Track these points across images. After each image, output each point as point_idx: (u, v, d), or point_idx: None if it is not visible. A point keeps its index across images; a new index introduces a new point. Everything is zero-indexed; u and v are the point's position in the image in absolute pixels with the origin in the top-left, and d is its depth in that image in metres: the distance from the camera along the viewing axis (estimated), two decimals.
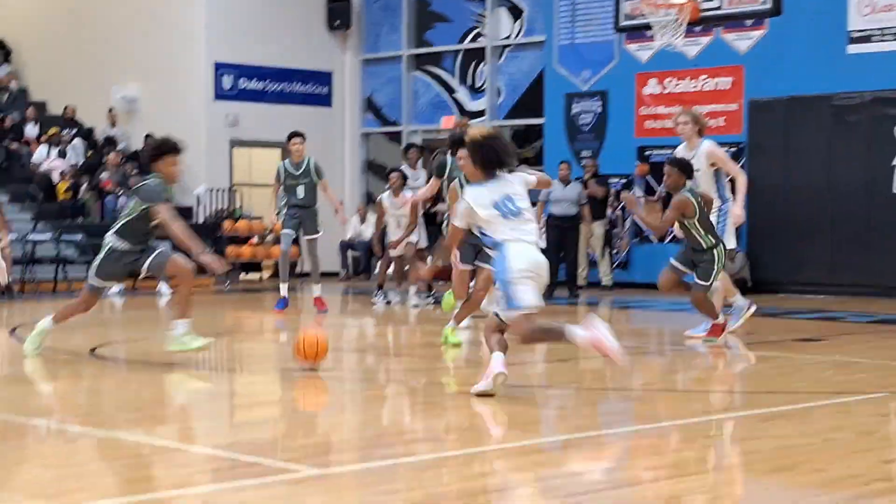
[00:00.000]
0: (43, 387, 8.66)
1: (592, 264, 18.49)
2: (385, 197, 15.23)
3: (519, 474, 5.61)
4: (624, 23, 16.89)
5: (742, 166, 17.14)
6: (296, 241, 14.71)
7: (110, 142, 21.24)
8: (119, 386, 8.54)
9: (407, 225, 14.54)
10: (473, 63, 21.26)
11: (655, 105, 18.52)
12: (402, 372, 9.62)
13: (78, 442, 6.30)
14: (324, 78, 22.42)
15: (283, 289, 14.03)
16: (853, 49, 16.69)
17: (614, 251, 18.51)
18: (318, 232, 13.96)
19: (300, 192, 13.77)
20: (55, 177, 19.97)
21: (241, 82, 21.51)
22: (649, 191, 18.38)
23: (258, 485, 5.20)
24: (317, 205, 13.98)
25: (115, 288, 17.25)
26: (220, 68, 21.25)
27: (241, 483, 5.23)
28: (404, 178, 15.53)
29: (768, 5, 13.86)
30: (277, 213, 14.16)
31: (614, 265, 18.49)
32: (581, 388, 8.31)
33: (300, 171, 13.79)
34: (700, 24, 14.18)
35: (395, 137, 22.35)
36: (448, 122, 21.48)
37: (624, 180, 18.52)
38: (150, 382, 8.60)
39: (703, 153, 10.92)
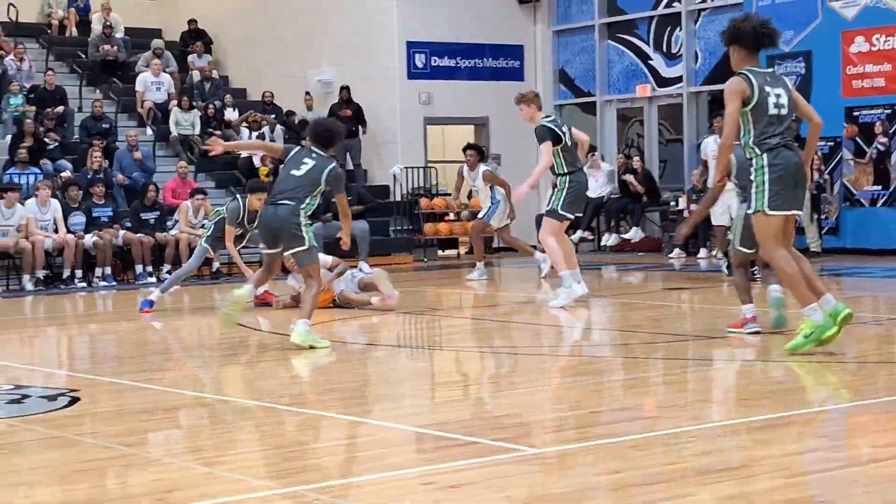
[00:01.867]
0: (256, 368, 8.90)
1: (799, 231, 18.01)
2: (464, 168, 16.18)
3: (741, 453, 5.51)
4: None
5: None
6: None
7: (306, 125, 21.64)
8: (324, 366, 8.72)
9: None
10: (668, 29, 20.88)
11: (863, 64, 17.86)
12: (616, 348, 9.57)
13: (296, 423, 6.45)
14: (515, 51, 22.38)
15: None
16: None
17: (823, 216, 17.95)
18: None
19: None
20: (256, 161, 20.48)
21: (434, 60, 21.67)
22: (859, 152, 17.78)
23: (477, 464, 5.24)
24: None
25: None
26: (413, 47, 21.44)
27: (460, 463, 5.28)
28: (481, 154, 16.44)
29: None
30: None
31: (823, 231, 17.95)
32: (791, 361, 8.11)
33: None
34: None
35: (590, 108, 22.16)
36: (643, 90, 21.19)
37: (831, 143, 17.95)
38: (355, 362, 8.76)
39: None
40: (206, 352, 9.95)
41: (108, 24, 22.77)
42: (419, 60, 21.52)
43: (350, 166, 20.94)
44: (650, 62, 21.16)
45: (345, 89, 21.25)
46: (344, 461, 5.51)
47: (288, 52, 22.80)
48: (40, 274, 16.04)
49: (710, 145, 13.52)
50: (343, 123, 12.12)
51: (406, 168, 21.08)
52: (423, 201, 20.81)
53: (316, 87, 22.31)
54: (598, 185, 20.63)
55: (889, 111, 17.59)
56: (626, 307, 12.58)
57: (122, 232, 16.84)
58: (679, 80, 20.68)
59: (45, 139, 18.94)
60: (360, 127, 21.27)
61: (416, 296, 13.52)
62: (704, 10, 20.41)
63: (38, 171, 18.05)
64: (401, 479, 5.08)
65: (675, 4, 20.69)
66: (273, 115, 21.76)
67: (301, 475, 5.16)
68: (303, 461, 5.47)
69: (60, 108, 19.92)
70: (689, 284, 14.50)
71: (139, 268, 16.79)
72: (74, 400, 6.92)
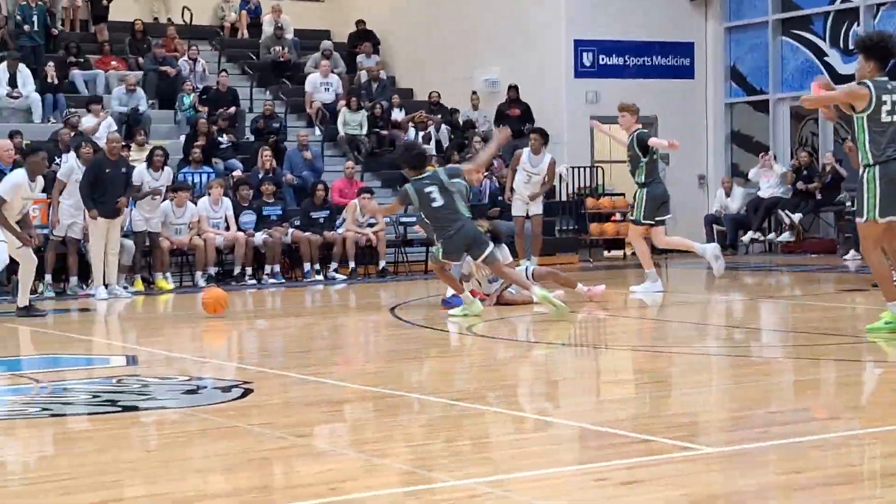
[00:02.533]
0: (418, 364, 8.93)
1: None
2: (525, 152, 16.04)
3: None
4: None
5: None
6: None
7: (470, 125, 21.70)
8: (492, 363, 8.70)
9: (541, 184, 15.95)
10: (846, 23, 20.31)
11: None
12: (789, 349, 9.33)
13: (465, 417, 6.43)
14: (685, 49, 22.05)
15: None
16: None
17: None
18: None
19: None
20: None
21: (601, 58, 21.49)
22: None
23: (651, 461, 5.14)
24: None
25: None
26: (580, 45, 21.31)
27: (633, 461, 5.19)
28: (545, 138, 16.29)
29: None
30: None
31: None
32: None
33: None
34: None
35: (762, 106, 21.71)
36: (818, 87, 20.58)
37: None
38: (523, 359, 8.71)
39: None
40: (374, 347, 10.03)
41: (278, 25, 23.23)
42: (586, 59, 21.38)
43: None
44: (826, 58, 20.60)
45: (512, 88, 21.23)
46: (514, 456, 5.46)
47: (454, 52, 22.90)
48: (212, 271, 16.43)
49: None
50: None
51: (572, 168, 20.95)
52: (590, 201, 20.67)
53: (482, 87, 22.37)
54: (770, 186, 20.22)
55: None
56: (798, 308, 12.27)
57: (290, 230, 17.13)
58: (853, 77, 20.03)
59: (218, 139, 19.40)
60: (527, 126, 21.21)
61: (581, 296, 13.40)
62: (884, 3, 19.78)
63: (210, 170, 18.50)
64: (573, 475, 5.01)
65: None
66: (439, 115, 21.89)
67: (471, 468, 5.13)
68: (473, 455, 5.44)
69: (232, 109, 20.38)
70: (865, 286, 14.06)
71: (307, 266, 17.04)
72: (248, 391, 7.03)
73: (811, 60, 20.82)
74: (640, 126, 13.33)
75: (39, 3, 21.11)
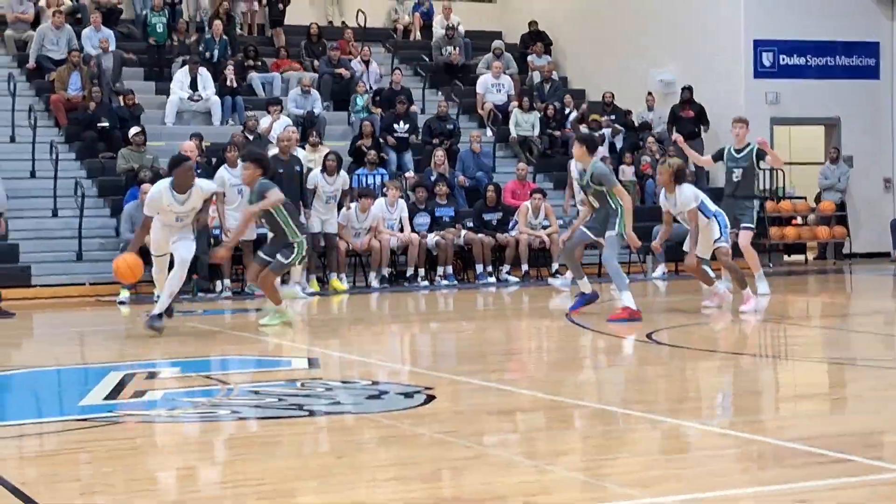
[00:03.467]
0: (599, 372, 8.81)
1: None
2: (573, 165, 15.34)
3: None
4: None
5: None
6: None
7: (645, 126, 21.47)
8: (673, 373, 8.54)
9: None
10: None
11: None
12: None
13: (653, 430, 6.31)
14: (870, 49, 21.40)
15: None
16: None
17: None
18: None
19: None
20: None
21: (782, 58, 21.01)
22: None
23: (852, 483, 4.95)
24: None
25: (660, 270, 17.45)
26: (760, 45, 20.86)
27: (834, 482, 5.01)
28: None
29: None
30: None
31: None
32: None
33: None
34: None
35: None
36: None
37: None
38: (704, 370, 8.54)
39: None
40: (547, 354, 9.96)
41: (450, 26, 23.33)
42: (766, 59, 20.93)
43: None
44: None
45: (686, 89, 20.92)
46: (709, 472, 5.33)
47: (628, 52, 22.67)
48: (385, 272, 16.57)
49: None
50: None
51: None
52: (770, 204, 20.23)
53: (657, 87, 22.09)
54: None
55: None
56: None
57: (463, 232, 17.17)
58: None
59: (394, 127, 19.58)
60: (701, 127, 20.89)
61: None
62: None
63: (384, 171, 18.67)
64: (773, 496, 4.86)
65: None
66: (612, 116, 21.69)
67: (666, 485, 5.02)
68: (666, 470, 5.32)
69: (405, 108, 20.48)
70: None
71: (479, 268, 17.06)
72: (430, 398, 7.03)
73: None
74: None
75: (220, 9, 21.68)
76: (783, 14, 20.89)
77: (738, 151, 13.52)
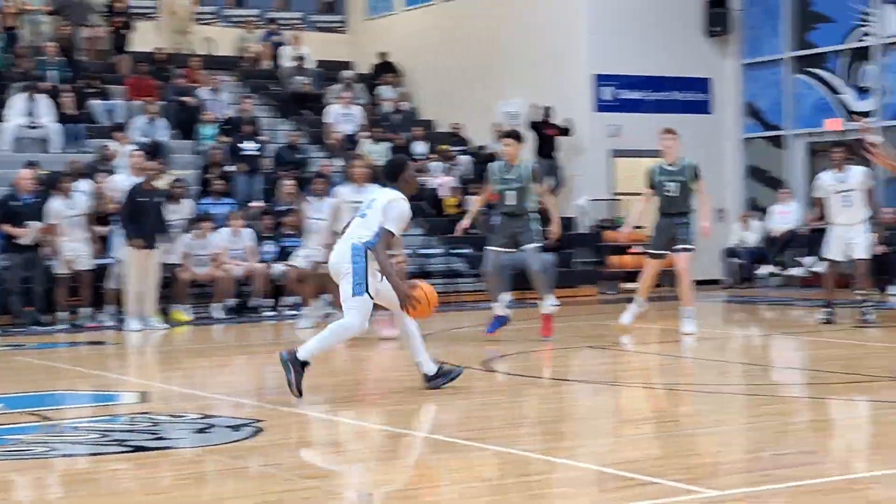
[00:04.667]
0: (432, 401, 8.89)
1: None
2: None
3: None
4: None
5: None
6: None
7: (494, 157, 21.67)
8: (509, 400, 8.66)
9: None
10: (859, 62, 20.31)
11: None
12: (795, 387, 9.28)
13: (476, 458, 6.40)
14: (703, 85, 22.07)
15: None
16: None
17: None
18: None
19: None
20: (443, 192, 20.62)
21: (622, 93, 21.51)
22: None
23: None
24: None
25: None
26: (601, 80, 21.33)
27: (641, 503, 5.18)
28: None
29: None
30: None
31: None
32: None
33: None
34: None
35: (778, 142, 21.69)
36: (832, 124, 20.62)
37: None
38: (538, 396, 8.68)
39: None
40: (386, 384, 10.00)
41: (299, 56, 23.30)
42: (607, 93, 21.39)
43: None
44: (840, 96, 20.59)
45: (547, 109, 21.15)
46: (527, 499, 5.44)
47: (475, 84, 22.96)
48: (230, 302, 16.42)
49: (827, 181, 13.42)
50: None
51: (592, 200, 20.96)
52: (608, 233, 20.64)
53: (504, 119, 22.38)
54: (787, 220, 20.19)
55: None
56: (812, 345, 12.19)
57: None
58: (869, 114, 20.07)
59: (233, 168, 19.41)
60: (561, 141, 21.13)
61: (601, 328, 13.38)
62: (894, 43, 19.77)
63: (232, 201, 18.53)
64: None
65: (865, 38, 20.11)
66: (461, 147, 21.90)
67: None
68: (484, 497, 5.41)
69: (252, 129, 20.34)
70: (879, 322, 14.02)
71: (326, 297, 17.00)
72: (258, 430, 7.02)
73: (826, 97, 20.80)
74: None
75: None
76: (623, 50, 21.39)
77: (672, 165, 12.90)
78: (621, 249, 20.66)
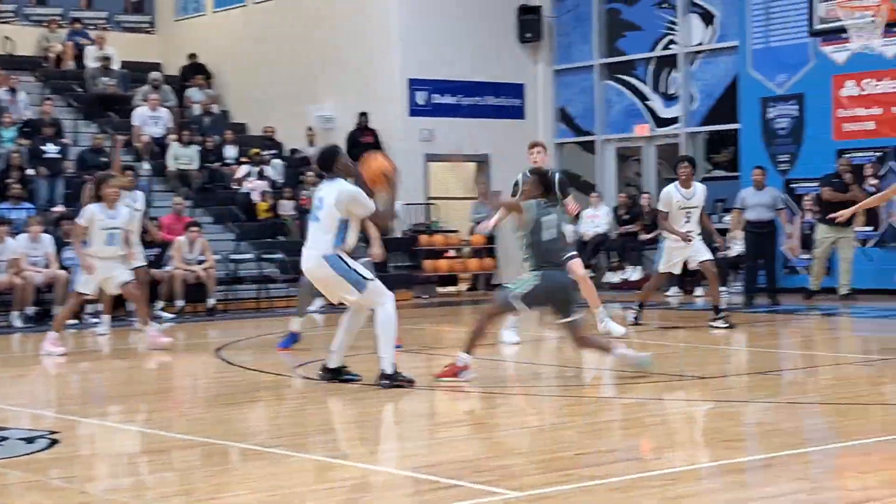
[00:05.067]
0: (246, 409, 8.87)
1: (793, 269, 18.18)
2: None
3: (719, 495, 5.50)
4: (818, 26, 16.31)
5: None
6: None
7: (307, 161, 21.68)
8: (318, 407, 8.69)
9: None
10: (666, 70, 21.02)
11: (853, 107, 17.98)
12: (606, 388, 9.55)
13: (280, 465, 6.42)
14: (516, 90, 22.48)
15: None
16: None
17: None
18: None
19: None
20: (255, 197, 20.50)
21: (435, 97, 21.73)
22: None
23: None
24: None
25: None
26: (415, 84, 21.51)
27: None
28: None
29: None
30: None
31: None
32: (782, 402, 8.10)
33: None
34: None
35: (589, 147, 22.25)
36: (641, 129, 21.28)
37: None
38: (346, 401, 8.72)
39: None
40: (193, 393, 9.92)
41: (104, 57, 22.84)
42: (421, 98, 21.58)
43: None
44: (648, 102, 21.27)
45: (363, 115, 21.22)
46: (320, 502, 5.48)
47: (288, 88, 22.88)
48: (30, 311, 15.98)
49: (675, 196, 13.44)
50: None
51: (406, 204, 21.11)
52: (423, 238, 20.84)
53: (317, 123, 22.37)
54: (597, 224, 20.71)
55: (879, 154, 17.73)
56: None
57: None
58: (676, 120, 20.79)
59: (35, 171, 18.92)
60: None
61: (414, 333, 13.52)
62: (701, 52, 20.52)
63: (30, 205, 18.05)
64: None
65: (672, 46, 20.81)
66: (273, 151, 21.81)
67: None
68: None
69: (53, 131, 19.85)
70: (682, 323, 14.52)
71: (131, 305, 16.70)
72: (54, 442, 6.88)
73: (635, 104, 21.45)
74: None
75: None
76: (437, 55, 21.62)
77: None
78: (437, 254, 20.89)
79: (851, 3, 14.18)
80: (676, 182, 13.54)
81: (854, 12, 14.12)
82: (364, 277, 8.75)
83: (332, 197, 8.69)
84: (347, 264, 8.74)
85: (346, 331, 9.15)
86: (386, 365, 8.87)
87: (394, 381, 8.94)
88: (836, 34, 17.12)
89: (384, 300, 8.83)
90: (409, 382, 9.07)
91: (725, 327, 13.05)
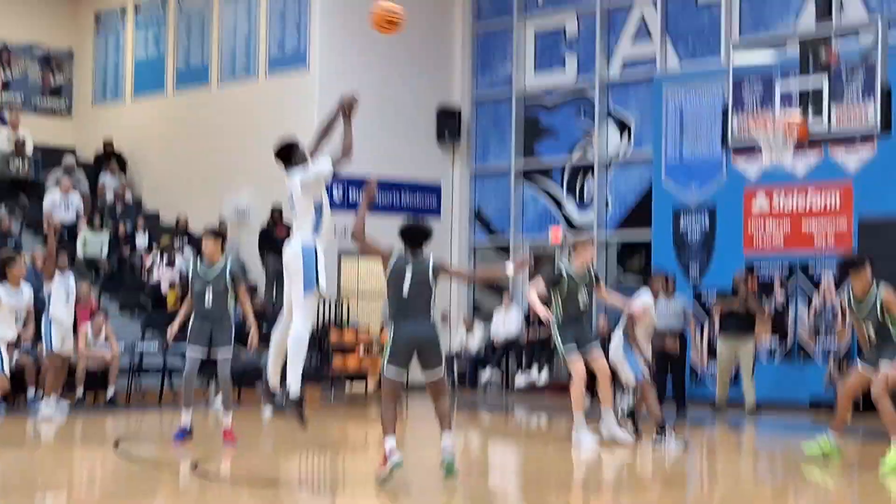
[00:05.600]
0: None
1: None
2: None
3: None
4: (733, 144, 16.75)
5: None
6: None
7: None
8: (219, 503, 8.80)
9: None
10: (581, 176, 21.60)
11: (764, 221, 18.60)
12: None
13: None
14: (433, 190, 22.93)
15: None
16: None
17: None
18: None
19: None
20: (164, 286, 20.59)
21: (351, 193, 22.03)
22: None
23: None
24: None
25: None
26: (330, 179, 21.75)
27: None
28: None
29: (877, 125, 13.83)
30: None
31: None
32: None
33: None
34: (808, 143, 14.25)
35: (504, 249, 22.69)
36: (556, 234, 21.77)
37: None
38: (250, 500, 8.84)
39: None
40: (86, 488, 9.93)
41: (18, 139, 22.92)
42: (335, 193, 21.85)
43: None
44: (563, 208, 21.80)
45: (278, 211, 21.38)
46: None
47: (204, 177, 23.08)
48: None
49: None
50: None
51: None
52: (334, 334, 20.93)
53: (231, 214, 22.54)
54: (509, 326, 21.05)
55: (787, 268, 18.30)
56: (526, 448, 12.70)
57: (16, 352, 16.73)
58: (591, 226, 21.31)
59: None
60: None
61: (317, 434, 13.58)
62: (616, 160, 21.16)
63: None
64: None
65: (588, 153, 21.45)
66: (186, 240, 21.93)
67: None
68: None
69: None
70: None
71: (31, 391, 16.65)
72: None
73: (550, 208, 21.99)
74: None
75: None
76: (355, 151, 21.88)
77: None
78: (347, 351, 21.01)
79: (764, 121, 14.77)
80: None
81: (766, 130, 14.69)
82: (317, 285, 9.04)
83: (297, 186, 9.45)
84: (316, 265, 9.16)
85: (278, 348, 9.68)
86: (294, 388, 8.99)
87: (298, 407, 9.10)
88: (749, 148, 17.73)
89: (308, 320, 9.26)
90: (302, 421, 9.38)
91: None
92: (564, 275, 12.20)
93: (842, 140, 15.67)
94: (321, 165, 9.35)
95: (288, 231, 20.97)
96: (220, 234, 12.57)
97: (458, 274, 12.27)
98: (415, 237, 9.50)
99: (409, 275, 9.38)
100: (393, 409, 9.33)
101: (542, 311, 12.13)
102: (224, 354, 12.02)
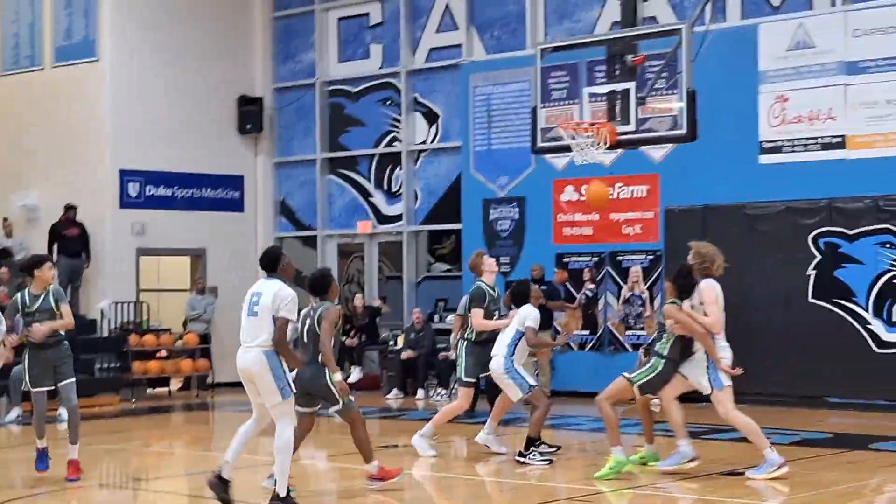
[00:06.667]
0: None
1: None
2: None
3: None
4: (541, 143, 16.96)
5: (660, 274, 17.95)
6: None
7: (6, 253, 21.30)
8: None
9: None
10: (389, 167, 21.93)
11: (573, 212, 19.24)
12: None
13: None
14: (235, 182, 22.96)
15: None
16: (765, 160, 17.61)
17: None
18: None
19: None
20: None
21: (148, 189, 21.92)
22: (569, 298, 19.02)
23: None
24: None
25: (14, 413, 17.46)
26: (126, 175, 21.65)
27: None
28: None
29: (684, 130, 14.42)
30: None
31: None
32: None
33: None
34: (617, 146, 14.74)
35: (311, 242, 22.89)
36: (364, 226, 22.07)
37: (544, 287, 19.10)
38: None
39: None
40: None
41: None
42: (132, 189, 21.72)
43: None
44: (371, 199, 22.13)
45: (71, 208, 21.07)
46: None
47: None
48: None
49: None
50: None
51: (116, 302, 21.13)
52: (133, 337, 20.80)
53: (19, 212, 22.16)
54: None
55: (597, 259, 19.01)
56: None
57: None
58: (399, 217, 21.68)
59: None
60: (85, 251, 21.13)
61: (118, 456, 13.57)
62: (424, 150, 21.54)
63: None
64: None
65: (395, 144, 21.78)
66: None
67: None
68: None
69: None
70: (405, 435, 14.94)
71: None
72: None
73: (357, 199, 22.29)
74: None
75: None
76: (151, 146, 21.82)
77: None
78: (148, 355, 20.94)
79: (573, 123, 15.08)
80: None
81: (575, 132, 14.98)
82: (290, 388, 9.43)
83: (268, 296, 9.47)
84: (283, 369, 9.44)
85: (242, 441, 9.72)
86: (281, 487, 9.41)
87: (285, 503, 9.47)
88: (557, 148, 18.24)
89: (290, 421, 9.48)
90: None
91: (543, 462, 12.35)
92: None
93: (648, 142, 16.23)
94: (293, 313, 9.62)
95: (82, 229, 20.99)
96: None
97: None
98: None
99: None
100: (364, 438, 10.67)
101: None
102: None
